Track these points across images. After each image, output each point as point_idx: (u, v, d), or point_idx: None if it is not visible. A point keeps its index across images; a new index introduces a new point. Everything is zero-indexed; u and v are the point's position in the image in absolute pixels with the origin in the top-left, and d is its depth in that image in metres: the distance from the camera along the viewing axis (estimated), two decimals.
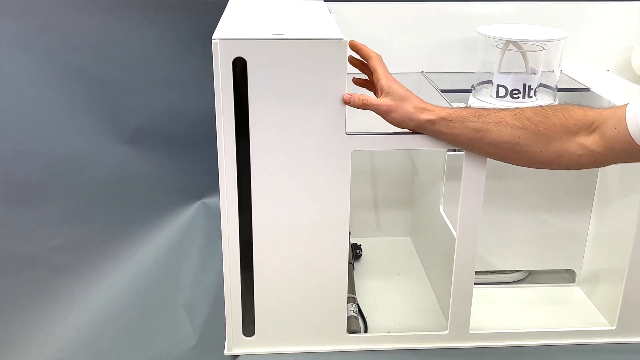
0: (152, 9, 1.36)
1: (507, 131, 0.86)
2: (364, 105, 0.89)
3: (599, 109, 0.87)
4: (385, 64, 0.94)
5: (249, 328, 1.02)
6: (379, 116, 0.91)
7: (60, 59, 1.36)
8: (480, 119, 0.88)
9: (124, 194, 1.44)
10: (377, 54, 0.94)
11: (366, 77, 0.99)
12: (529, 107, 0.89)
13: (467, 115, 0.88)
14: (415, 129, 0.90)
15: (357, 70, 1.00)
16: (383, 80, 0.91)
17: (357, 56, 0.96)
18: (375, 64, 0.93)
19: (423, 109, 0.89)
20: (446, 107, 0.91)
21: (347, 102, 0.89)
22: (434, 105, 0.90)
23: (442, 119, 0.88)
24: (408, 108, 0.89)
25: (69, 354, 1.30)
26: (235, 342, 1.03)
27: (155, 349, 1.29)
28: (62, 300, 1.37)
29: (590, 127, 0.86)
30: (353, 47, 0.94)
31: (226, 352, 1.04)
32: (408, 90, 0.91)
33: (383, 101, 0.89)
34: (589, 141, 0.85)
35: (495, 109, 0.90)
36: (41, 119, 1.37)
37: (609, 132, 0.83)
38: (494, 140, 0.87)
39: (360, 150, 0.93)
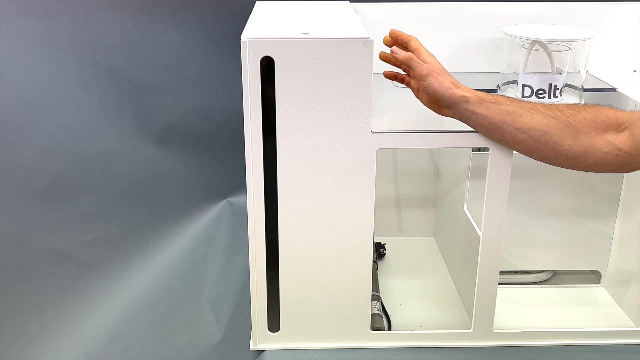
0: (180, 9, 1.38)
1: (538, 118, 0.87)
2: (408, 59, 0.92)
3: (629, 111, 0.88)
4: None
5: (274, 324, 1.03)
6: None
7: (91, 59, 1.39)
8: (514, 103, 0.89)
9: (151, 192, 1.46)
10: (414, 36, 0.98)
11: (397, 71, 1.00)
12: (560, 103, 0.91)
13: (500, 99, 0.90)
14: (447, 104, 0.91)
15: (381, 72, 1.01)
16: (425, 54, 0.94)
17: (388, 50, 0.98)
18: (416, 44, 0.96)
19: (458, 87, 0.91)
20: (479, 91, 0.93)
21: (393, 52, 0.93)
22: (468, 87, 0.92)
23: (477, 96, 0.90)
24: (446, 80, 0.91)
25: (96, 348, 1.32)
26: (260, 337, 1.04)
27: (181, 344, 1.30)
28: (90, 295, 1.39)
29: (619, 127, 0.86)
30: (393, 34, 0.98)
31: (251, 347, 1.05)
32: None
33: (425, 65, 0.92)
34: (617, 139, 0.86)
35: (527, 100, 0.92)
36: (71, 117, 1.39)
37: (637, 131, 0.84)
38: (525, 126, 0.88)
39: (385, 149, 0.94)
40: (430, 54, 0.95)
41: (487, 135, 0.92)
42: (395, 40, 0.98)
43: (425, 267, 1.34)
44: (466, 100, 0.89)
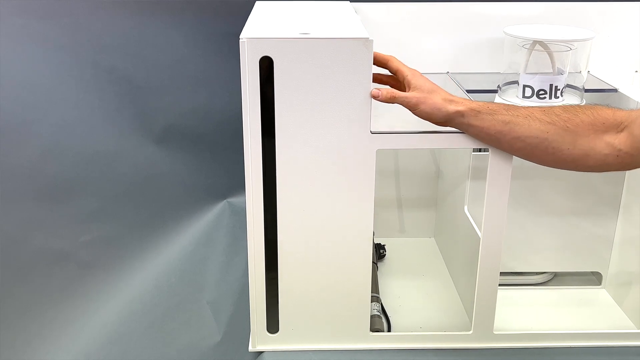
0: (180, 9, 1.38)
1: (535, 125, 0.86)
2: (392, 99, 0.90)
3: (628, 110, 0.87)
4: (410, 64, 0.95)
5: (273, 325, 1.03)
6: (408, 111, 0.91)
7: (91, 59, 1.39)
8: (510, 112, 0.88)
9: (151, 192, 1.46)
10: (391, 55, 0.95)
11: (388, 74, 0.99)
12: (557, 105, 0.89)
13: (496, 108, 0.88)
14: (444, 121, 0.90)
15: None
16: (409, 76, 0.92)
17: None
18: (396, 64, 0.94)
19: (451, 101, 0.89)
20: (474, 100, 0.91)
21: (375, 97, 0.89)
22: (461, 98, 0.91)
23: (472, 109, 0.88)
24: (436, 100, 0.89)
25: (96, 348, 1.32)
26: (259, 338, 1.04)
27: (180, 345, 1.30)
28: (90, 295, 1.39)
29: (618, 127, 0.85)
30: None
31: (250, 349, 1.05)
32: (434, 84, 0.91)
33: (411, 94, 0.90)
34: (617, 140, 0.85)
35: (523, 106, 0.90)
36: (72, 117, 1.39)
37: (637, 131, 0.83)
38: (522, 134, 0.87)
39: (385, 150, 0.94)
40: (414, 72, 0.92)
41: (485, 143, 0.92)
42: (373, 61, 0.96)
43: (426, 268, 1.34)
44: (461, 114, 0.88)
